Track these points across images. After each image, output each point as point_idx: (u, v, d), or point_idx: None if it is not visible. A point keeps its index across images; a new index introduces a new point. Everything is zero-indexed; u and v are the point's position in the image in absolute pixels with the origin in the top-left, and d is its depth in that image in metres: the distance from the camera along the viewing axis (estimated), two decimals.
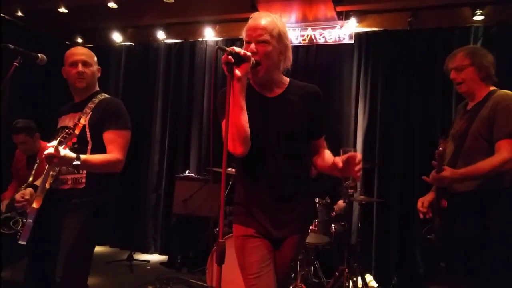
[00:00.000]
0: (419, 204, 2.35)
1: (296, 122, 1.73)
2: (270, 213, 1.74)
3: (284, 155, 1.72)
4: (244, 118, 1.59)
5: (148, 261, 4.77)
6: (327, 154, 1.83)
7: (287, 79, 1.83)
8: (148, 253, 5.09)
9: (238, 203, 1.84)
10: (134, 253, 4.69)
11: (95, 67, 2.31)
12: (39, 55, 2.08)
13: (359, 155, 1.58)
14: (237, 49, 1.52)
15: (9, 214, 2.52)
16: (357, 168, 1.57)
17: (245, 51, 1.55)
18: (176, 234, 4.82)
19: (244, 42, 1.72)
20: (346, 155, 1.57)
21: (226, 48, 1.50)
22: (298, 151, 1.77)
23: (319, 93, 1.80)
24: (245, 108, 1.59)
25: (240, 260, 1.77)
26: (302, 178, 1.80)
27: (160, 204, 5.17)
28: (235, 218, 1.83)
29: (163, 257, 4.93)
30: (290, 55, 1.77)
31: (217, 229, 3.64)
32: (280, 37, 1.70)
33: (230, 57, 1.49)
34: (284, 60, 1.75)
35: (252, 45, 1.66)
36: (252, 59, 1.58)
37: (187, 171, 4.81)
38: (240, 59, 1.52)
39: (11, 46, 1.96)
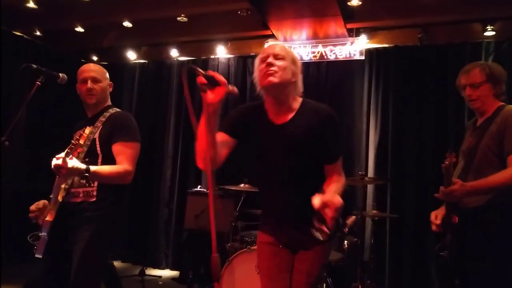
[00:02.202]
0: (433, 217, 2.32)
1: (306, 147, 1.73)
2: (287, 231, 1.82)
3: (296, 181, 1.77)
4: (209, 139, 1.56)
5: (160, 277, 4.77)
6: (331, 185, 1.73)
7: (299, 100, 1.82)
8: (159, 268, 5.10)
9: (263, 216, 1.96)
10: (146, 268, 4.69)
11: (106, 83, 2.34)
12: (60, 74, 2.15)
13: (336, 203, 1.47)
14: (212, 73, 1.48)
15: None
16: (330, 215, 1.46)
17: (220, 77, 1.48)
18: (188, 249, 4.82)
19: (259, 63, 1.76)
20: (324, 199, 1.48)
21: (198, 69, 1.43)
22: (311, 176, 1.78)
23: (333, 115, 1.77)
24: (213, 131, 1.60)
25: (259, 264, 1.87)
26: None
27: (172, 219, 5.19)
28: (261, 226, 1.95)
29: (174, 273, 4.93)
30: (300, 82, 1.80)
31: (229, 244, 3.64)
32: (294, 60, 1.77)
33: (203, 78, 1.44)
34: (296, 84, 1.77)
35: (270, 58, 1.70)
36: (229, 86, 1.50)
37: (199, 186, 4.83)
38: (214, 83, 1.47)
39: (34, 66, 2.03)
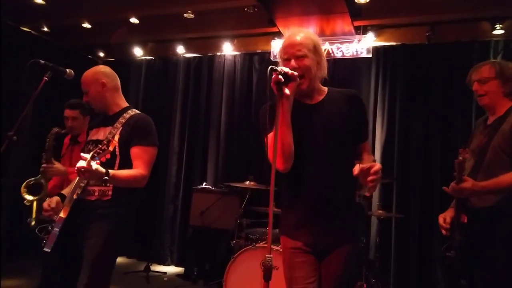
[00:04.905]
0: (441, 220, 2.31)
1: (342, 124, 1.79)
2: (318, 219, 1.75)
3: (332, 158, 1.76)
4: (290, 135, 1.66)
5: (165, 273, 4.79)
6: (366, 159, 1.83)
7: (325, 88, 1.90)
8: (164, 264, 5.12)
9: (285, 213, 1.87)
10: (151, 265, 4.72)
11: (93, 88, 2.26)
12: (67, 70, 2.16)
13: (376, 165, 1.58)
14: (285, 69, 1.59)
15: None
16: (370, 178, 1.57)
17: (292, 71, 1.61)
18: (193, 246, 4.84)
19: (282, 60, 1.78)
20: (365, 165, 1.58)
21: (278, 68, 1.57)
22: (346, 155, 1.80)
23: (360, 96, 1.91)
24: (291, 126, 1.66)
25: (286, 273, 1.79)
26: (349, 183, 1.77)
27: (177, 215, 5.21)
28: (282, 229, 1.86)
29: (179, 269, 4.95)
30: (325, 64, 1.84)
31: (234, 241, 3.64)
32: (316, 49, 1.79)
33: (280, 76, 1.56)
34: (320, 69, 1.81)
35: (292, 61, 1.73)
36: (298, 78, 1.63)
37: (204, 183, 4.84)
38: (288, 79, 1.59)
39: (42, 61, 2.04)
